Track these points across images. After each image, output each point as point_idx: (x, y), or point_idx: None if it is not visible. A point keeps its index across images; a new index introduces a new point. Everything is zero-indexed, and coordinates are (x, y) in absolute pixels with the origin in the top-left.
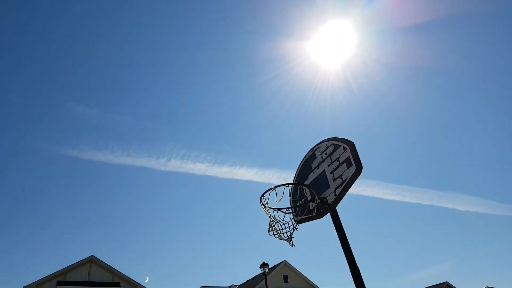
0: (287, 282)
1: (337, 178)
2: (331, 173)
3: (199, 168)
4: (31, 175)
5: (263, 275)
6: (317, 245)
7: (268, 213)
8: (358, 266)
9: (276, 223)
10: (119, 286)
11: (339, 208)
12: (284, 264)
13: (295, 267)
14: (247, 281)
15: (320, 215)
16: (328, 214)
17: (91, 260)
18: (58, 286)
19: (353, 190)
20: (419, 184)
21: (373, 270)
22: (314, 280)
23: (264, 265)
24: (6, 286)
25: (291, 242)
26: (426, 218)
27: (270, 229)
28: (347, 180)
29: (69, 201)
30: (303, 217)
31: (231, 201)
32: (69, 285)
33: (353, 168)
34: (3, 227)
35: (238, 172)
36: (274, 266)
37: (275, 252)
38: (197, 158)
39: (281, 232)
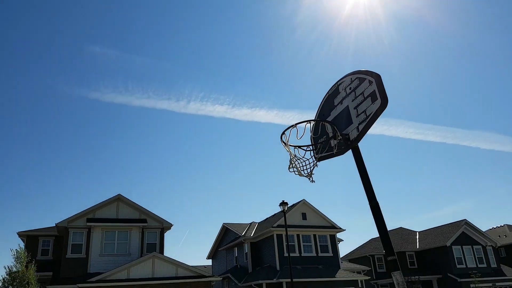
0: (306, 219)
1: (360, 113)
2: (354, 108)
3: (218, 110)
4: (56, 118)
5: (283, 213)
6: (335, 185)
7: (288, 151)
8: (377, 201)
9: (296, 160)
10: (146, 222)
11: (360, 146)
12: (303, 202)
13: (313, 205)
14: (267, 218)
15: (341, 152)
16: (350, 150)
17: (119, 199)
18: (88, 223)
19: (375, 130)
20: (444, 122)
21: (393, 209)
22: (331, 217)
23: (283, 203)
24: (40, 224)
25: (311, 178)
26: (449, 158)
27: (290, 166)
28: (371, 115)
29: (94, 144)
30: (323, 154)
31: (251, 143)
32: (98, 222)
33: (378, 103)
34: (36, 170)
35: (258, 114)
36: (293, 205)
37: (294, 192)
38: (216, 100)
39: (301, 169)
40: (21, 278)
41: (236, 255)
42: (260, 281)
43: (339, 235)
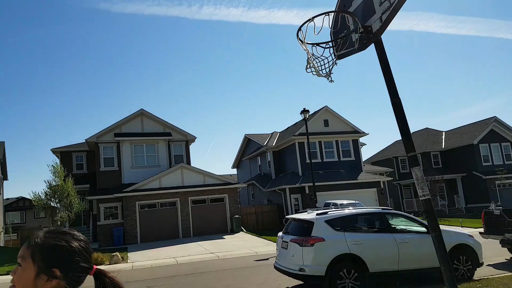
0: (328, 126)
1: (384, 1)
2: None
3: (234, 14)
4: (70, 34)
5: (304, 121)
6: (358, 90)
7: (305, 49)
8: (399, 97)
9: (314, 59)
10: (171, 135)
11: (387, 43)
12: (325, 109)
13: (335, 111)
14: (288, 127)
15: (363, 47)
16: (372, 45)
17: (142, 113)
18: (116, 138)
19: (404, 26)
20: (478, 13)
21: (420, 110)
22: (354, 122)
23: (304, 111)
24: (71, 139)
25: (330, 78)
26: (481, 52)
27: (308, 66)
28: (395, 3)
29: (113, 58)
30: (344, 51)
31: (270, 49)
32: (125, 136)
33: None
34: (63, 90)
35: (277, 16)
36: (315, 112)
37: (317, 100)
38: (230, 3)
39: (320, 69)
40: (61, 191)
41: (260, 163)
42: (283, 186)
43: (362, 140)
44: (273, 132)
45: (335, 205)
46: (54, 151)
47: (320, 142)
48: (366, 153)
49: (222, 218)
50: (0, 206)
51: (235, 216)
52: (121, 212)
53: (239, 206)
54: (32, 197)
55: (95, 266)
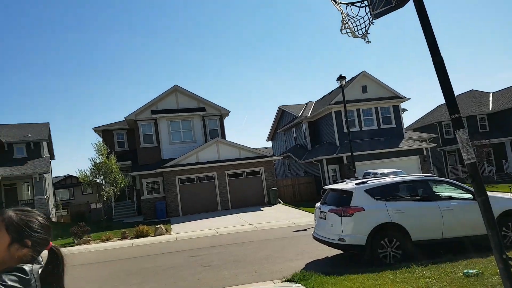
0: (366, 92)
1: None
2: None
3: None
4: (102, 13)
5: (341, 88)
6: (399, 54)
7: (339, 9)
8: (441, 56)
9: (349, 19)
10: (205, 110)
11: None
12: (363, 74)
13: (375, 76)
14: (324, 96)
15: (401, 4)
16: (411, 1)
17: (176, 90)
18: (152, 115)
19: None
20: None
21: (465, 69)
22: (394, 88)
23: (341, 78)
24: (112, 118)
25: (366, 39)
26: None
27: (343, 28)
28: None
29: (143, 37)
30: (380, 10)
31: (304, 16)
32: (161, 113)
33: None
34: (102, 71)
35: None
36: (352, 78)
37: (353, 67)
38: None
39: (355, 30)
40: (105, 168)
41: (295, 135)
42: (320, 157)
43: (403, 105)
44: (308, 102)
45: (375, 174)
46: (96, 130)
47: (358, 110)
48: (408, 119)
49: (259, 190)
50: (49, 184)
51: (272, 188)
52: (162, 187)
53: (275, 178)
54: (79, 174)
55: (51, 242)
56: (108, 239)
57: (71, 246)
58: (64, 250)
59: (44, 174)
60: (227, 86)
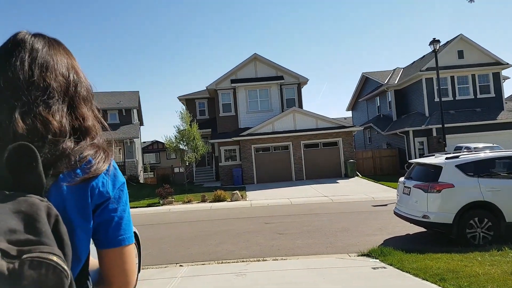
0: (462, 58)
1: None
2: None
3: None
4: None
5: (434, 53)
6: (497, 13)
7: None
8: None
9: None
10: (283, 79)
11: None
12: (460, 38)
13: (473, 40)
14: (413, 62)
15: None
16: None
17: (255, 58)
18: (232, 84)
19: None
20: None
21: None
22: (495, 53)
23: (434, 41)
24: (194, 87)
25: None
26: None
27: None
28: None
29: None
30: None
31: None
32: (240, 82)
33: None
34: (186, 41)
35: None
36: (447, 42)
37: (448, 32)
38: None
39: None
40: (188, 135)
41: (378, 104)
42: (406, 129)
43: (504, 73)
44: (395, 69)
45: (467, 148)
46: (180, 98)
47: (452, 77)
48: (509, 89)
49: (336, 162)
50: (138, 148)
51: (350, 160)
52: (239, 155)
53: (354, 150)
54: (165, 140)
55: None
56: (189, 201)
57: (157, 206)
58: (151, 210)
59: (134, 139)
60: (306, 53)
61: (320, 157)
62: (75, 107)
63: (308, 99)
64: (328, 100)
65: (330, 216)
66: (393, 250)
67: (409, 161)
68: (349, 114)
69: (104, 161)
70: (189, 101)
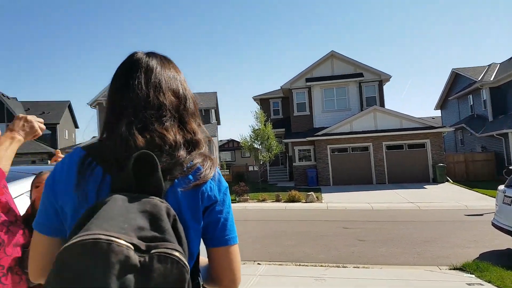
0: None
1: None
2: None
3: None
4: None
5: None
6: None
7: None
8: None
9: None
10: (362, 76)
11: None
12: None
13: None
14: None
15: None
16: None
17: (332, 55)
18: (307, 83)
19: None
20: None
21: None
22: None
23: None
24: (269, 88)
25: None
26: None
27: None
28: None
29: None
30: None
31: None
32: (315, 81)
33: None
34: (259, 42)
35: None
36: None
37: None
38: None
39: None
40: (262, 134)
41: (471, 103)
42: (505, 130)
43: None
44: (490, 64)
45: None
46: (255, 98)
47: None
48: None
49: (423, 165)
50: (216, 146)
51: (439, 164)
52: (313, 155)
53: (443, 153)
54: (240, 139)
55: None
56: (264, 200)
57: (233, 203)
58: None
59: (213, 138)
60: (388, 48)
61: (405, 159)
62: (186, 122)
63: (390, 98)
64: (413, 98)
65: (416, 224)
66: (491, 265)
67: (510, 167)
68: (437, 113)
69: (211, 168)
70: (263, 101)
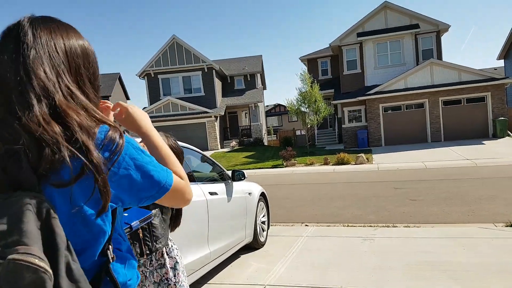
0: None
1: None
2: None
3: None
4: None
5: None
6: None
7: None
8: None
9: None
10: (418, 27)
11: None
12: None
13: None
14: None
15: None
16: None
17: (385, 7)
18: (358, 38)
19: None
20: None
21: None
22: None
23: None
24: (318, 47)
25: None
26: None
27: None
28: None
29: None
30: None
31: None
32: (367, 35)
33: None
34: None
35: None
36: None
37: None
38: None
39: None
40: (309, 97)
41: None
42: None
43: None
44: None
45: None
46: (302, 59)
47: None
48: None
49: (482, 120)
50: (262, 112)
51: (500, 118)
52: (364, 115)
53: (506, 106)
54: (287, 103)
55: None
56: (311, 164)
57: (281, 167)
58: (275, 171)
59: (258, 103)
60: None
61: (462, 115)
62: (61, 105)
63: (448, 50)
64: (474, 50)
65: (472, 182)
66: None
67: None
68: (500, 63)
69: None
70: (311, 61)
